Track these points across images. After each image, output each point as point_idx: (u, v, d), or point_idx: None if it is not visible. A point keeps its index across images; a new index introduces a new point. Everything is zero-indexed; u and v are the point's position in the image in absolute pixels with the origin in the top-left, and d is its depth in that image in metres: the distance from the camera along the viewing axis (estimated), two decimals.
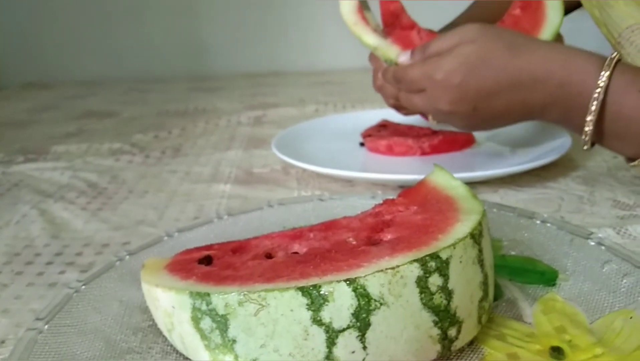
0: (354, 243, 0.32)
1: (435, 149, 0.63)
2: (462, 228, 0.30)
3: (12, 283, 0.41)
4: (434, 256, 0.27)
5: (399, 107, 0.62)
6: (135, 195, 0.58)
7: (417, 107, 0.53)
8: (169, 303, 0.29)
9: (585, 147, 0.45)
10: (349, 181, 0.57)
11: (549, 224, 0.38)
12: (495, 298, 0.34)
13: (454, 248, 0.28)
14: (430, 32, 0.60)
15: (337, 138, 0.70)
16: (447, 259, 0.28)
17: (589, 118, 0.43)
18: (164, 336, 0.32)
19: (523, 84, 0.46)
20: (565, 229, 0.37)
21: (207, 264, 0.33)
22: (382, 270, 0.26)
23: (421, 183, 0.38)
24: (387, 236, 0.32)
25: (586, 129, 0.44)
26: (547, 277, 0.35)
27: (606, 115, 0.43)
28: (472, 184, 0.54)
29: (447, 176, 0.38)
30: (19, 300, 0.39)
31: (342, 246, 0.32)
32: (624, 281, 0.31)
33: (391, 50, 0.57)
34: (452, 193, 0.36)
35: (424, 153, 0.62)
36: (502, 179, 0.54)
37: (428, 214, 0.33)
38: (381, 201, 0.40)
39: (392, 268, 0.26)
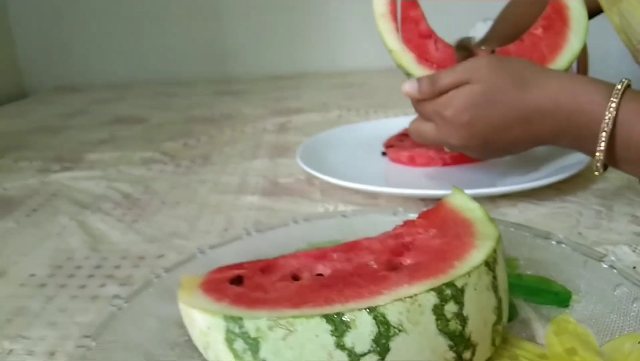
0: (375, 266, 0.34)
1: (457, 161, 0.64)
2: (478, 255, 0.32)
3: (56, 296, 0.44)
4: (450, 284, 0.29)
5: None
6: (168, 206, 0.61)
7: (427, 137, 0.55)
8: (204, 324, 0.31)
9: (596, 173, 0.46)
10: (372, 193, 0.59)
11: (563, 245, 0.39)
12: (511, 318, 0.36)
13: (469, 276, 0.30)
14: (447, 46, 0.61)
15: (359, 147, 0.72)
16: (462, 287, 0.29)
17: (598, 148, 0.45)
18: (199, 351, 0.34)
19: (532, 119, 0.48)
20: (579, 251, 0.38)
21: (238, 285, 0.35)
22: (400, 299, 0.28)
23: (440, 204, 0.40)
24: (407, 260, 0.34)
25: (597, 157, 0.45)
26: (561, 298, 0.36)
27: (617, 143, 0.44)
28: (492, 197, 0.55)
29: (465, 198, 0.39)
30: (64, 313, 0.42)
31: (363, 270, 0.34)
32: (634, 305, 0.33)
33: (404, 58, 0.58)
34: (469, 216, 0.38)
35: (445, 164, 0.64)
36: (521, 192, 0.55)
37: (446, 238, 0.35)
38: (402, 221, 0.43)
39: (410, 297, 0.28)
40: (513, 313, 0.36)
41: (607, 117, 0.44)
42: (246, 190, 0.64)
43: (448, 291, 0.29)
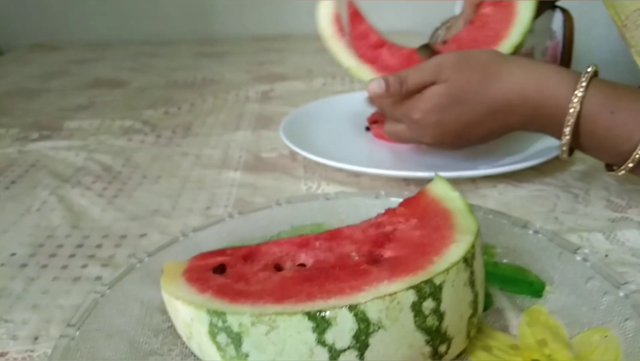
0: (357, 258, 0.35)
1: None
2: (456, 250, 0.32)
3: (38, 277, 0.44)
4: (428, 282, 0.30)
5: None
6: (149, 181, 0.61)
7: (403, 137, 0.57)
8: (188, 316, 0.32)
9: (563, 157, 0.48)
10: (355, 172, 0.59)
11: (540, 235, 0.40)
12: (486, 308, 0.37)
13: (447, 273, 0.31)
14: (401, 48, 0.62)
15: (343, 121, 0.72)
16: (440, 284, 0.30)
17: (563, 139, 0.46)
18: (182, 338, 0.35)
19: (500, 110, 0.49)
20: (555, 242, 0.39)
21: (221, 273, 0.36)
22: (380, 297, 0.29)
23: (421, 193, 0.40)
24: (388, 252, 0.34)
25: (562, 146, 0.47)
26: (535, 288, 0.37)
27: (581, 134, 0.46)
28: (472, 178, 0.56)
29: (447, 187, 0.40)
30: (47, 295, 0.42)
31: (345, 262, 0.34)
32: (604, 299, 0.34)
33: (363, 72, 0.59)
34: (450, 206, 0.38)
35: None
36: (501, 173, 0.56)
37: (426, 230, 0.36)
38: (384, 205, 0.43)
39: (390, 295, 0.29)
40: (488, 302, 0.37)
41: (571, 110, 0.45)
42: (229, 165, 0.64)
43: (426, 289, 0.30)
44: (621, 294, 0.33)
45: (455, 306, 0.31)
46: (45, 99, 0.96)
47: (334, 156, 0.59)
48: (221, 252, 0.39)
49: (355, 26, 0.63)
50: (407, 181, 0.56)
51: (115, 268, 0.45)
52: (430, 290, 0.30)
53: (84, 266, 0.45)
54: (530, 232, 0.41)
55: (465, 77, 0.49)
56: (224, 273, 0.36)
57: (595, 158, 0.49)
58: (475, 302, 0.33)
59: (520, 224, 0.42)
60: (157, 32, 1.50)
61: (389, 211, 0.40)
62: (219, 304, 0.31)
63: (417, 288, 0.29)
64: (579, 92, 0.44)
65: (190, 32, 1.50)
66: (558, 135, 0.47)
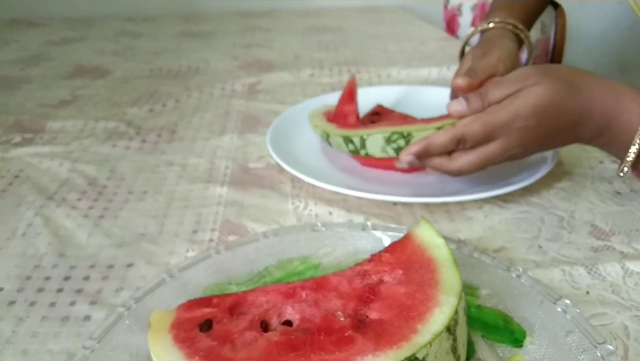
0: (342, 319, 0.35)
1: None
2: (440, 317, 0.33)
3: (27, 317, 0.44)
4: (412, 358, 0.30)
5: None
6: (135, 197, 0.60)
7: (494, 156, 0.51)
8: None
9: (620, 175, 0.49)
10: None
11: (523, 280, 0.41)
12: (468, 357, 0.38)
13: (430, 345, 0.31)
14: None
15: None
16: (423, 358, 0.31)
17: (628, 158, 0.48)
18: None
19: (581, 121, 0.49)
20: (537, 289, 0.40)
21: (208, 329, 0.36)
22: None
23: (407, 238, 0.41)
24: (373, 313, 0.35)
25: (626, 163, 0.48)
26: (516, 337, 0.38)
27: None
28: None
29: (432, 233, 0.40)
30: (36, 339, 0.42)
31: (331, 325, 0.35)
32: (582, 356, 0.35)
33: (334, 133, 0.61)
34: (435, 255, 0.39)
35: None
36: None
37: (410, 287, 0.36)
38: (368, 243, 0.44)
39: None
40: (470, 352, 0.38)
41: None
42: (215, 178, 0.63)
43: None
44: (598, 353, 0.34)
45: None
46: (26, 90, 0.94)
47: (321, 172, 0.58)
48: (208, 301, 0.39)
49: (343, 105, 0.66)
50: (397, 205, 0.56)
51: (103, 306, 0.45)
52: None
53: (72, 303, 0.46)
54: (514, 276, 0.42)
55: (556, 81, 0.48)
56: (211, 329, 0.36)
57: None
58: None
59: (504, 266, 0.42)
60: (140, 7, 1.45)
61: (375, 258, 0.40)
62: None
63: None
64: None
65: (174, 7, 1.46)
66: (619, 152, 0.49)
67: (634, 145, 0.47)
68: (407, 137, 0.56)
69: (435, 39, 1.18)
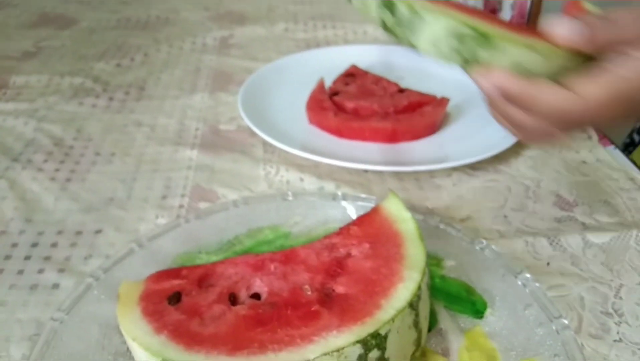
0: (309, 293, 0.36)
1: (401, 111, 0.63)
2: (403, 292, 0.34)
3: None
4: (375, 334, 0.31)
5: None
6: (103, 159, 0.59)
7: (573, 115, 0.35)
8: (144, 357, 0.33)
9: None
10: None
11: (486, 252, 0.42)
12: (430, 327, 0.39)
13: (393, 321, 0.32)
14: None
15: (305, 87, 0.69)
16: (386, 334, 0.32)
17: None
18: None
19: None
20: (499, 262, 0.41)
21: (177, 302, 0.37)
22: (328, 353, 0.30)
23: (375, 211, 0.42)
24: (339, 287, 0.36)
25: None
26: (477, 308, 0.40)
27: None
28: None
29: (400, 207, 0.41)
30: (5, 308, 0.42)
31: (298, 299, 0.35)
32: (539, 330, 0.36)
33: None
34: (401, 228, 0.40)
35: (387, 115, 0.63)
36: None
37: (376, 261, 0.37)
38: (337, 212, 0.44)
39: (338, 351, 0.31)
40: (432, 322, 0.39)
41: None
42: (185, 141, 0.62)
43: (372, 341, 0.31)
44: (553, 327, 0.36)
45: (400, 349, 0.33)
46: None
47: (293, 137, 0.58)
48: (176, 272, 0.40)
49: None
50: (368, 173, 0.57)
51: (72, 274, 0.45)
52: (376, 342, 0.32)
53: (40, 271, 0.45)
54: (478, 248, 0.43)
55: None
56: (179, 302, 0.37)
57: None
58: (419, 338, 0.35)
59: (468, 238, 0.43)
60: None
61: (343, 231, 0.41)
62: (175, 352, 0.32)
63: (364, 342, 0.31)
64: None
65: None
66: None
67: None
68: (484, 44, 0.35)
69: None
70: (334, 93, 0.66)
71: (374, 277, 0.36)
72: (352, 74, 0.71)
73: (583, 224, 0.49)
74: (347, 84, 0.69)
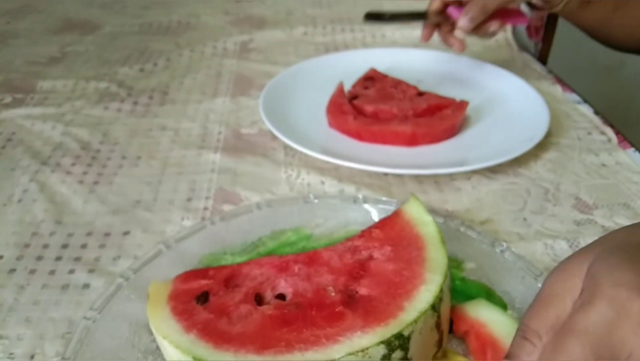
0: (333, 294, 0.37)
1: (421, 114, 0.64)
2: (425, 295, 0.35)
3: (28, 285, 0.46)
4: (398, 335, 0.32)
5: None
6: (129, 162, 0.61)
7: None
8: (175, 356, 0.34)
9: None
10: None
11: (507, 254, 0.43)
12: (451, 329, 0.40)
13: (416, 323, 0.33)
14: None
15: (325, 91, 0.69)
16: (409, 335, 0.33)
17: None
18: None
19: None
20: (519, 264, 0.42)
21: (205, 302, 0.38)
22: (353, 353, 0.31)
23: (396, 214, 0.42)
24: (362, 289, 0.37)
25: None
26: None
27: None
28: None
29: (421, 210, 0.42)
30: (38, 307, 0.44)
31: (322, 300, 0.36)
32: None
33: None
34: (423, 232, 0.40)
35: (406, 118, 0.64)
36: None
37: (398, 264, 0.38)
38: (358, 214, 0.45)
39: (362, 351, 0.32)
40: (452, 325, 0.40)
41: None
42: (208, 144, 0.64)
43: (396, 342, 0.32)
44: None
45: (422, 350, 0.34)
46: (14, 46, 0.92)
47: (314, 141, 0.59)
48: (204, 273, 0.41)
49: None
50: (388, 176, 0.57)
51: (101, 275, 0.46)
52: (399, 343, 0.32)
53: (71, 271, 0.47)
54: (498, 251, 0.43)
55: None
56: (207, 301, 0.38)
57: None
58: (440, 340, 0.36)
59: (488, 241, 0.44)
60: None
61: (365, 234, 0.42)
62: (204, 350, 0.33)
63: (388, 342, 0.32)
64: None
65: None
66: None
67: None
68: None
69: None
70: (353, 97, 0.67)
71: (396, 279, 0.37)
72: (371, 78, 0.72)
73: (603, 227, 0.49)
74: (366, 87, 0.69)
